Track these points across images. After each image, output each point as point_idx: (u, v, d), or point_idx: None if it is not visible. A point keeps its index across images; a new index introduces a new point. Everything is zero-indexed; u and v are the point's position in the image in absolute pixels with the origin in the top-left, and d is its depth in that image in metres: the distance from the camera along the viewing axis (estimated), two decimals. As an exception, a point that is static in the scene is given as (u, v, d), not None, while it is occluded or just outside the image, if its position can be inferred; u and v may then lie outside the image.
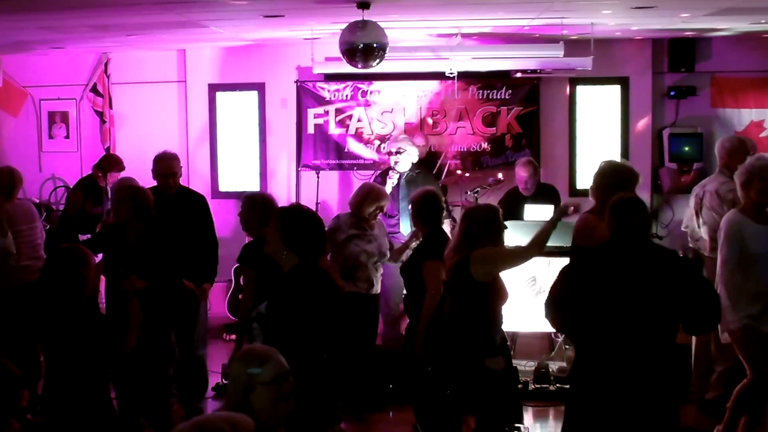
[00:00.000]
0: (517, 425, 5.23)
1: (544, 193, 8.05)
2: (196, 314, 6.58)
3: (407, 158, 7.76)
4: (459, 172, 8.98)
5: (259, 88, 10.02)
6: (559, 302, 4.12)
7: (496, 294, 4.84)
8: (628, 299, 3.91)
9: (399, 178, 7.78)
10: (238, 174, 10.11)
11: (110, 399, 4.58)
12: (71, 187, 8.82)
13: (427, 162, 8.73)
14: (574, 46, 8.70)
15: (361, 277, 6.41)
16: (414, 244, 6.06)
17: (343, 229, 6.43)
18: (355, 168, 9.72)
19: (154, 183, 6.75)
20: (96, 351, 4.29)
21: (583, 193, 9.53)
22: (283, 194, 9.78)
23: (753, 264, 4.95)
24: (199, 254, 6.56)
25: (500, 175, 8.46)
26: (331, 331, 4.12)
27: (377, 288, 6.54)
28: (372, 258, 6.41)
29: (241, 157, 10.14)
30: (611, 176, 5.14)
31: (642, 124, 9.75)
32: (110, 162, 8.14)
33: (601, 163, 5.36)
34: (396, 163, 7.82)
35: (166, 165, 6.73)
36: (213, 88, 10.05)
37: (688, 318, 3.98)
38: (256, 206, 5.72)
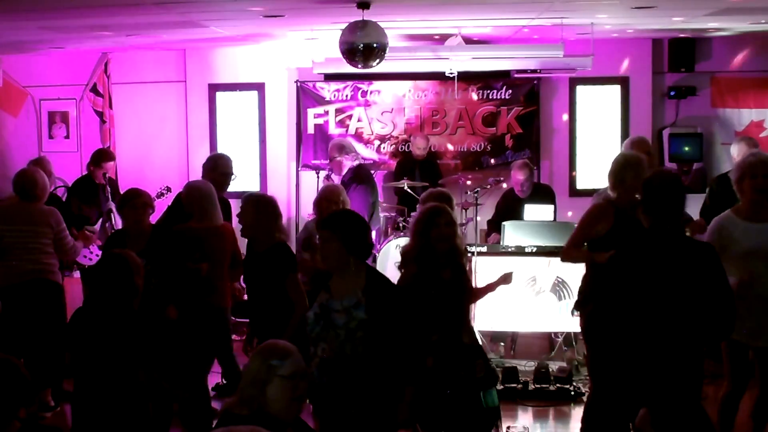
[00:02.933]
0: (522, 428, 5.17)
1: (539, 194, 8.06)
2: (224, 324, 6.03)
3: (339, 167, 7.58)
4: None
5: (259, 88, 10.02)
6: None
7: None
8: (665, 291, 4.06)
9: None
10: (238, 174, 10.06)
11: (147, 405, 4.38)
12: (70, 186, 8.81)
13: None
14: (574, 46, 8.70)
15: None
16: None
17: (314, 235, 6.25)
18: (355, 168, 9.72)
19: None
20: (135, 358, 4.21)
21: (583, 192, 9.63)
22: (283, 194, 9.78)
23: (734, 263, 4.83)
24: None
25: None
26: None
27: None
28: None
29: (241, 157, 10.10)
30: (617, 164, 5.16)
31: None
32: (100, 154, 8.09)
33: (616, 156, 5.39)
34: (330, 170, 7.65)
35: (230, 164, 6.66)
36: (213, 88, 10.05)
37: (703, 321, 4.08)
38: (266, 212, 5.23)
